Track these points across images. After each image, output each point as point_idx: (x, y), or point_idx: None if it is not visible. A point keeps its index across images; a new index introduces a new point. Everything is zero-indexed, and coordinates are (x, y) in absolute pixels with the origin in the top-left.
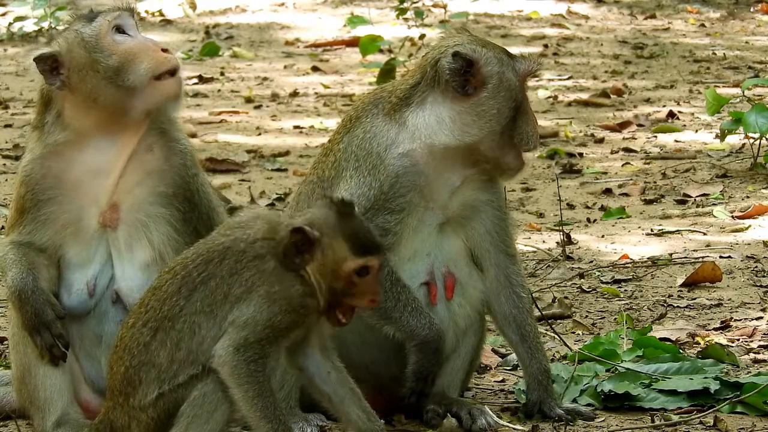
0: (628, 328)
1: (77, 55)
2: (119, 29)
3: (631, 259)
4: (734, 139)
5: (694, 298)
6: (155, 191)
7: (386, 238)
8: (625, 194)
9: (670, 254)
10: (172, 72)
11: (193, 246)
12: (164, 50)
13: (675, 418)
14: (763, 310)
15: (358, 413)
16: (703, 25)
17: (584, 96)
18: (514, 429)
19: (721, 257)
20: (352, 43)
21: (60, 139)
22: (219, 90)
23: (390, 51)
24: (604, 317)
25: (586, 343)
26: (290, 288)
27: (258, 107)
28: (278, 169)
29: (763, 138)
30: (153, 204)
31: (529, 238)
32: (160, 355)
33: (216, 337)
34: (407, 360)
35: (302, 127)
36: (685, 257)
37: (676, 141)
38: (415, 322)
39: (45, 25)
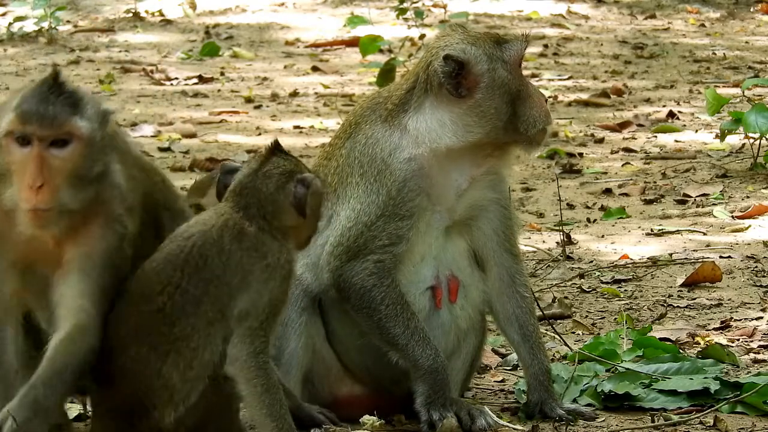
0: (628, 328)
1: None
2: (22, 137)
3: (631, 259)
4: (734, 139)
5: (694, 298)
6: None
7: (399, 245)
8: (625, 194)
9: (670, 254)
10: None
11: (154, 266)
12: (39, 187)
13: (675, 418)
14: (763, 310)
15: None
16: (703, 25)
17: (584, 96)
18: (514, 429)
19: (721, 257)
20: (352, 43)
21: None
22: (219, 90)
23: (390, 51)
24: (604, 317)
25: (586, 343)
26: (278, 253)
27: (258, 107)
28: None
29: (763, 138)
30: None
31: (529, 238)
32: (173, 377)
33: (225, 338)
34: (413, 392)
35: (302, 127)
36: (685, 257)
37: (676, 141)
38: (420, 351)
39: (45, 25)
